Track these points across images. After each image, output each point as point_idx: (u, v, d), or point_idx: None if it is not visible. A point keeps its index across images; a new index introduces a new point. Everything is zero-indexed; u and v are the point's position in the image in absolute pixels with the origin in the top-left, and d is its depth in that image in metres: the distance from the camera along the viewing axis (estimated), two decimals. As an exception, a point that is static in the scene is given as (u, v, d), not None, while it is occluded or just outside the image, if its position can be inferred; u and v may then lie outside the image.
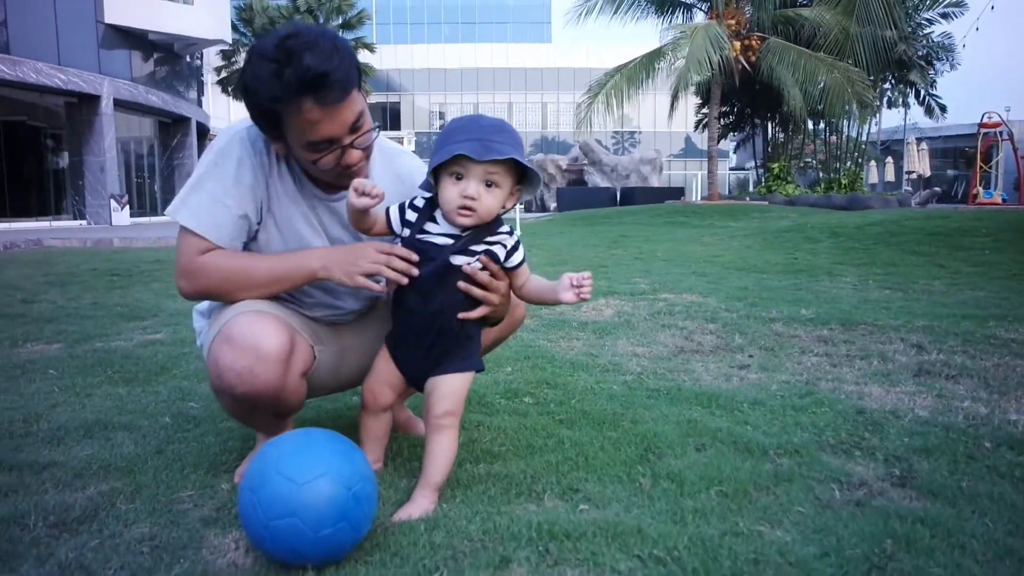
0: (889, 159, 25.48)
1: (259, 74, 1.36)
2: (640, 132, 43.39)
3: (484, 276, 1.47)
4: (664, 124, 38.38)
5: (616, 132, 41.83)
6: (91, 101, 16.89)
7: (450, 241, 1.46)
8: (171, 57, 21.21)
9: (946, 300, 4.27)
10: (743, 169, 38.06)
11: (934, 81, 20.00)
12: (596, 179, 27.25)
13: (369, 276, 1.48)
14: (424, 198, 1.51)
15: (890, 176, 25.16)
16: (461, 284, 1.47)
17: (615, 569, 1.22)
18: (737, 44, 15.78)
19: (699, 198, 20.09)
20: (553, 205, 24.43)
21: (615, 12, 16.81)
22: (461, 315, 1.48)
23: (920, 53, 18.50)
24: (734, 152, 37.34)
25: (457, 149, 1.38)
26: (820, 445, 1.83)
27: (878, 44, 14.38)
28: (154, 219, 19.96)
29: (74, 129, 17.34)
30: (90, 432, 1.94)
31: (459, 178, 1.42)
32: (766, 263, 6.34)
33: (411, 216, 1.51)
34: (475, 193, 1.41)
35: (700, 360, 2.84)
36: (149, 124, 21.03)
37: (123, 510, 1.46)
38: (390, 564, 1.24)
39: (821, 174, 19.00)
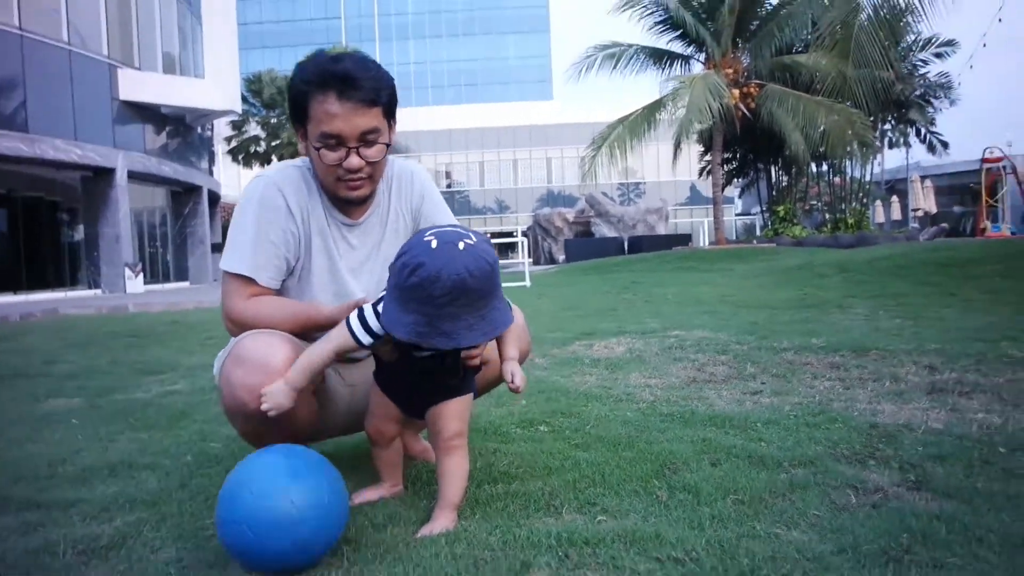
0: (895, 198, 25.59)
1: (305, 64, 1.56)
2: (645, 183, 43.91)
3: (475, 352, 1.48)
4: (668, 173, 38.83)
5: (621, 184, 42.36)
6: (106, 174, 17.32)
7: (441, 358, 1.45)
8: (183, 129, 21.79)
9: (958, 325, 4.27)
10: (749, 215, 38.33)
11: (934, 119, 20.25)
12: (603, 230, 27.44)
13: None
14: None
15: (896, 215, 25.23)
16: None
17: (635, 570, 1.24)
18: (736, 92, 16.09)
19: (707, 243, 20.20)
20: (561, 257, 24.58)
21: (614, 67, 17.21)
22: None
23: (918, 92, 18.79)
24: (739, 197, 37.62)
25: (399, 328, 1.31)
26: (834, 456, 1.84)
27: (876, 85, 14.62)
28: (167, 285, 20.22)
29: (89, 202, 17.74)
30: (114, 471, 1.98)
31: None
32: (776, 300, 6.36)
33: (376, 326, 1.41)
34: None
35: (713, 388, 2.85)
36: (162, 194, 21.48)
37: (150, 537, 1.49)
38: (412, 574, 1.26)
39: (827, 215, 19.11)
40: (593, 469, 1.78)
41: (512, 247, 22.67)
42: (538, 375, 3.21)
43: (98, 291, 17.53)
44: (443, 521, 1.47)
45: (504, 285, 1.40)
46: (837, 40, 13.71)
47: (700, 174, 22.80)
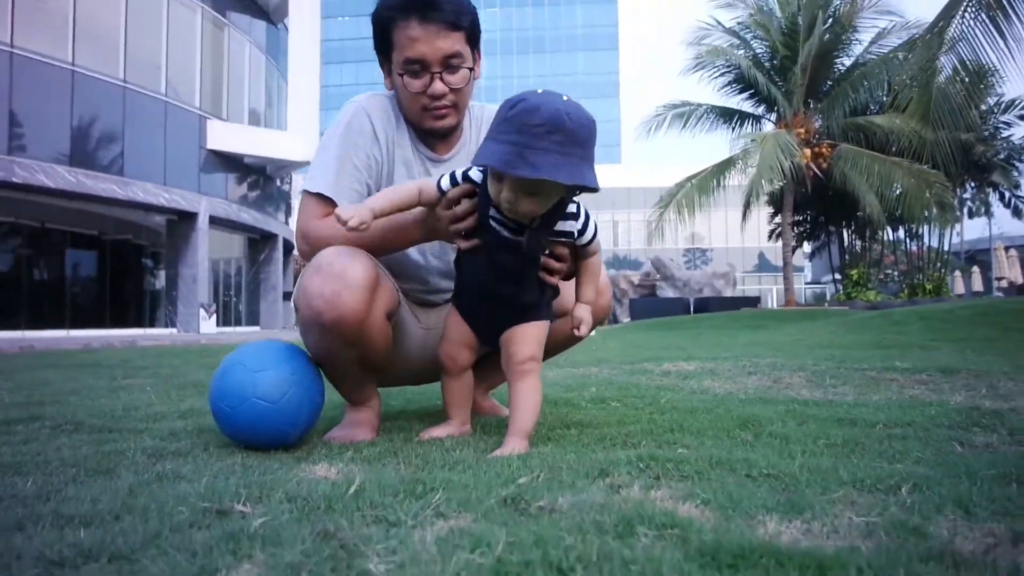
0: (975, 268, 24.62)
1: None
2: (712, 249, 43.46)
3: (557, 265, 1.48)
4: (736, 240, 38.41)
5: (688, 249, 42.05)
6: (189, 218, 18.15)
7: (520, 239, 1.40)
8: (263, 179, 22.77)
9: (1056, 361, 3.99)
10: (819, 283, 37.38)
11: (1019, 183, 19.54)
12: (668, 294, 27.13)
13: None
14: (480, 171, 1.42)
15: (978, 286, 24.21)
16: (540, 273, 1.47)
17: (723, 483, 1.15)
18: (807, 151, 15.91)
19: (776, 306, 19.71)
20: (626, 319, 24.33)
21: (684, 125, 17.28)
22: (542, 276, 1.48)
23: (1001, 155, 18.21)
24: (809, 260, 36.77)
25: (488, 156, 1.29)
26: (935, 424, 1.70)
27: (955, 146, 14.24)
28: (239, 329, 20.80)
29: (172, 244, 18.58)
30: (184, 416, 1.99)
31: (499, 179, 1.34)
32: (852, 342, 6.11)
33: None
34: (509, 199, 1.33)
35: (792, 391, 2.72)
36: (239, 241, 22.33)
37: (214, 450, 1.48)
38: (484, 476, 1.20)
39: (904, 286, 18.44)
40: (671, 422, 1.70)
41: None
42: (606, 375, 3.12)
43: (173, 330, 18.16)
44: (515, 445, 1.41)
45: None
46: (911, 100, 13.50)
47: (770, 237, 22.44)
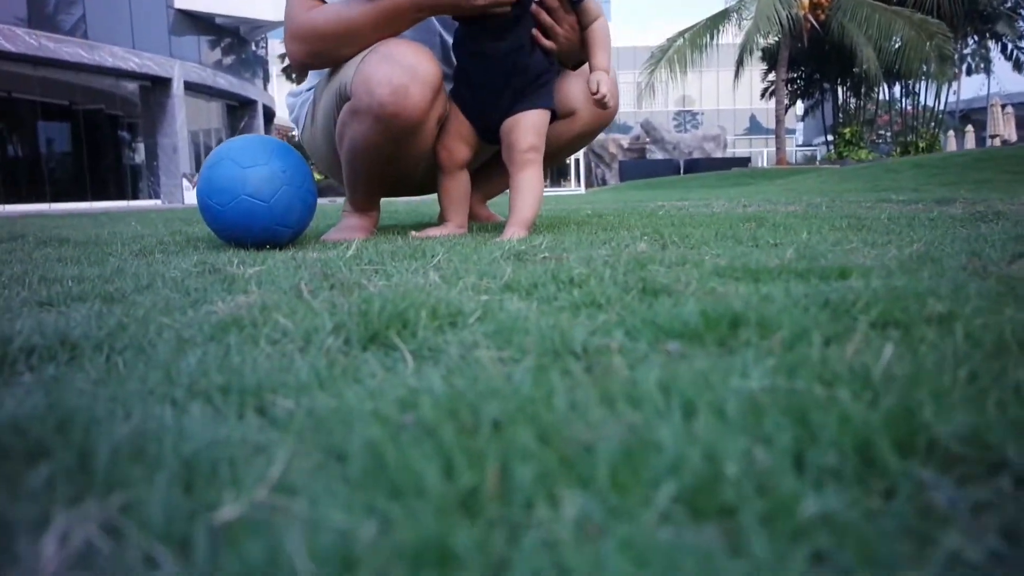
0: (969, 127, 24.28)
1: None
2: (703, 112, 42.54)
3: (548, 20, 1.41)
4: (728, 101, 37.57)
5: (678, 112, 41.15)
6: (163, 84, 17.45)
7: None
8: (237, 42, 21.74)
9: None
10: (810, 145, 36.93)
11: (1022, 34, 18.91)
12: (658, 156, 26.80)
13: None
14: None
15: (970, 144, 23.98)
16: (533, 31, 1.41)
17: (732, 248, 1.12)
18: (806, 2, 15.23)
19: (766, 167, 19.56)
20: (614, 182, 24.13)
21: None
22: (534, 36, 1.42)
23: (1008, 4, 17.51)
24: (801, 121, 36.18)
25: None
26: (938, 221, 1.68)
27: (958, -7, 13.67)
28: (224, 200, 20.52)
29: (147, 113, 17.95)
30: (174, 234, 1.94)
31: None
32: (845, 188, 6.08)
33: None
34: None
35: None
36: (217, 109, 21.61)
37: (204, 248, 1.44)
38: (483, 248, 1.16)
39: (896, 146, 18.21)
40: (672, 221, 1.66)
41: (564, 173, 22.34)
42: (599, 207, 3.08)
43: (158, 201, 17.89)
44: (515, 231, 1.37)
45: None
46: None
47: (763, 95, 21.90)
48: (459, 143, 1.51)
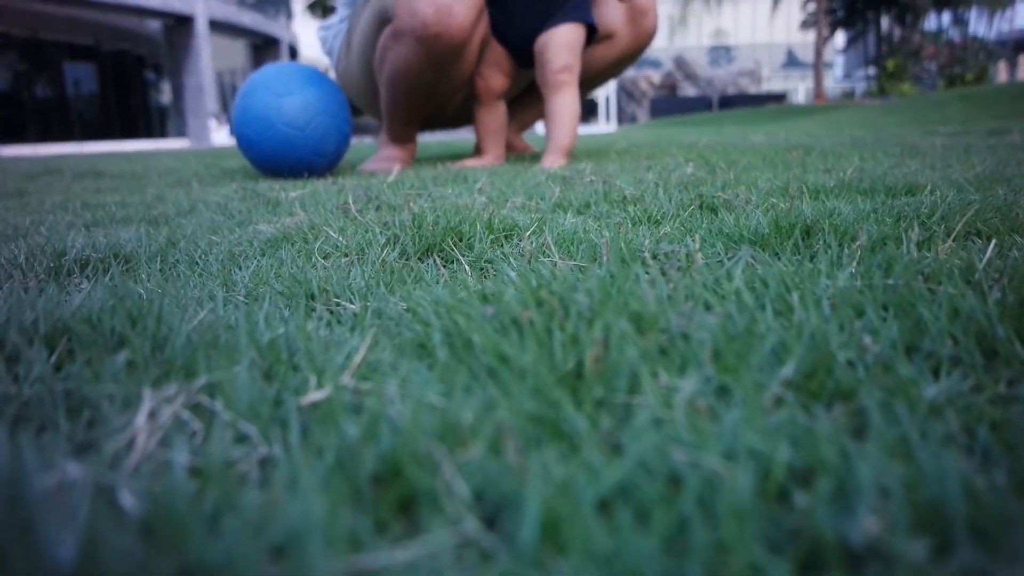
0: (1022, 56, 23.26)
1: None
2: (737, 47, 41.20)
3: None
4: (764, 34, 36.33)
5: (711, 47, 39.93)
6: (186, 23, 17.29)
7: None
8: (261, -22, 21.39)
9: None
10: (849, 80, 35.70)
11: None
12: (690, 93, 26.13)
13: None
14: None
15: None
16: None
17: (779, 173, 1.08)
18: (849, -75, 14.50)
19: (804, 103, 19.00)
20: (644, 120, 23.66)
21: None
22: None
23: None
24: (843, 54, 34.91)
25: None
26: (998, 144, 1.61)
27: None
28: (252, 141, 20.51)
29: (172, 53, 17.86)
30: (209, 168, 1.94)
31: None
32: (889, 122, 5.89)
33: None
34: None
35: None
36: (241, 48, 21.42)
37: (241, 178, 1.43)
38: (525, 173, 1.14)
39: (942, 79, 17.49)
40: (714, 149, 1.62)
41: (593, 110, 21.97)
42: (632, 142, 3.01)
43: (186, 141, 17.95)
44: (554, 159, 1.35)
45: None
46: None
47: (801, 26, 21.12)
48: (496, 72, 1.47)
